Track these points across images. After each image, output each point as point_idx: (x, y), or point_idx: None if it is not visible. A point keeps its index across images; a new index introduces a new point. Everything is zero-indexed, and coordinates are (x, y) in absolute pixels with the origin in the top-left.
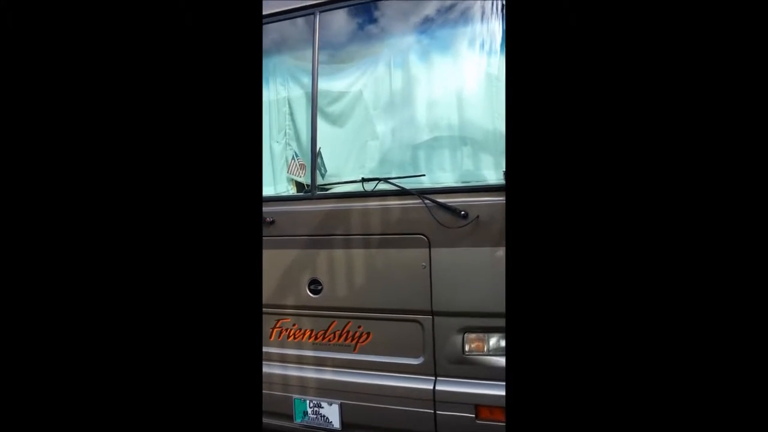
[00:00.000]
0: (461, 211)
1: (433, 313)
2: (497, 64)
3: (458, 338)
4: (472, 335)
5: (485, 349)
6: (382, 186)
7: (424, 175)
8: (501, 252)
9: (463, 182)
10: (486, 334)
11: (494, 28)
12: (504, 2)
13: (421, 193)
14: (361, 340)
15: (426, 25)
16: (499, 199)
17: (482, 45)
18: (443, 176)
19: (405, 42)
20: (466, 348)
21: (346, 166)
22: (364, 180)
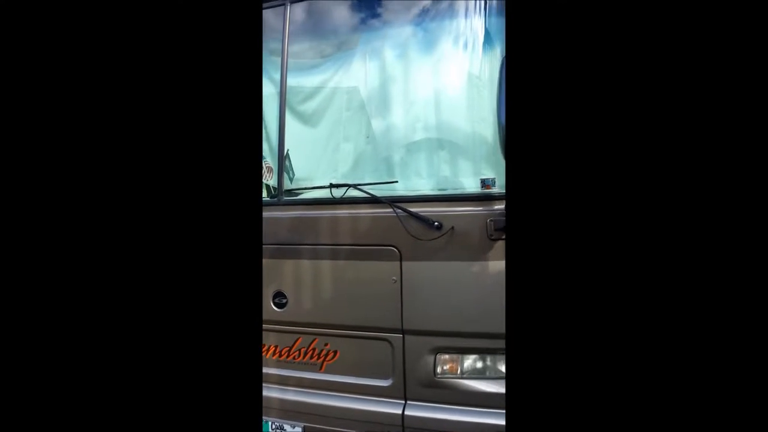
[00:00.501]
0: (434, 222)
1: (403, 332)
2: (478, 65)
3: (430, 359)
4: (445, 356)
5: (459, 371)
6: (352, 193)
7: (396, 181)
8: (477, 267)
9: (439, 190)
10: (460, 356)
11: (476, 27)
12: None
13: (393, 201)
14: (327, 359)
15: (405, 22)
16: (476, 209)
17: (464, 44)
18: (419, 183)
19: (382, 38)
20: (438, 370)
21: (317, 169)
22: (332, 186)
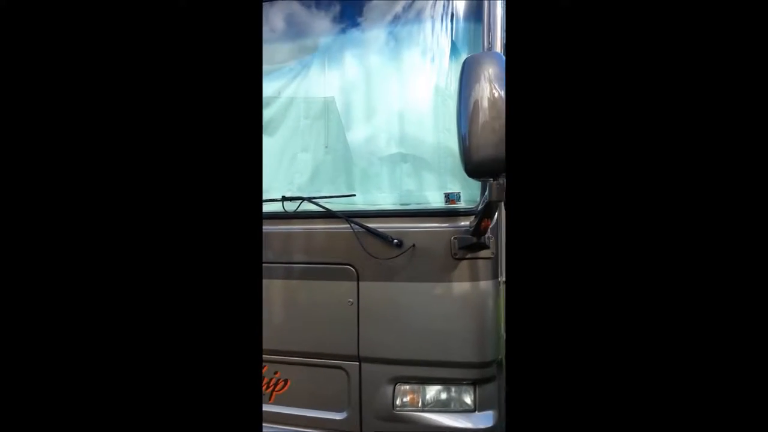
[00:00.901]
0: (394, 239)
1: (359, 359)
2: (445, 73)
3: (388, 390)
4: (405, 387)
5: (420, 403)
6: (307, 206)
7: (354, 195)
8: (440, 289)
9: (401, 205)
10: (421, 386)
11: (442, 36)
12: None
13: (349, 216)
14: (277, 389)
15: (367, 27)
16: (440, 225)
17: (429, 52)
18: (379, 197)
19: (343, 45)
20: (398, 402)
21: (272, 181)
22: (284, 199)
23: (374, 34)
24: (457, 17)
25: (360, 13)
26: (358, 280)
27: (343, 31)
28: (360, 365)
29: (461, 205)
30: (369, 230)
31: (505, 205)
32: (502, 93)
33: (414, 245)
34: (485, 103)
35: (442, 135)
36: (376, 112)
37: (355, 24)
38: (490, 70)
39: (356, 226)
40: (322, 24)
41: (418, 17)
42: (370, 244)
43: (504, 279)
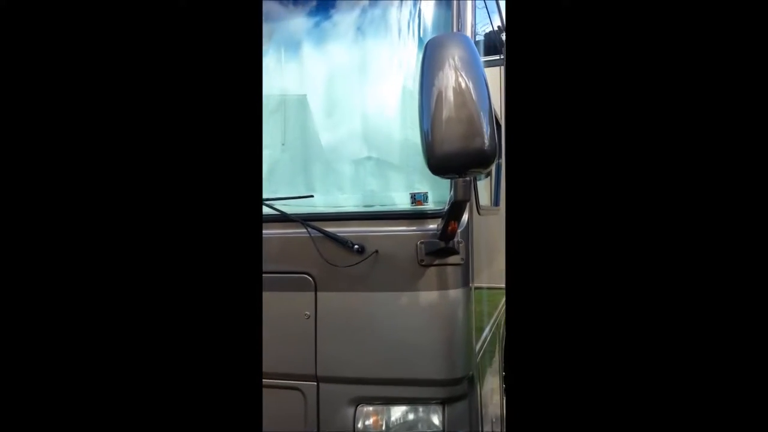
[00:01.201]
0: (354, 245)
1: (317, 379)
2: (412, 64)
3: (349, 412)
4: (368, 408)
5: (384, 426)
6: None
7: (311, 196)
8: (405, 299)
9: (364, 206)
10: (386, 407)
11: (407, 20)
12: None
13: (306, 219)
14: None
15: (327, 14)
16: (405, 229)
17: (394, 40)
18: (341, 199)
19: (300, 34)
20: (360, 425)
21: None
22: None
23: (334, 22)
24: (422, 15)
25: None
26: (315, 291)
27: (301, 18)
28: (318, 385)
29: (429, 206)
30: (327, 235)
31: (472, 205)
32: (469, 79)
33: (377, 251)
34: (450, 91)
35: (409, 131)
36: (338, 107)
37: (313, 11)
38: (455, 54)
39: (313, 231)
40: (277, 10)
41: (383, 3)
42: (328, 251)
43: (475, 285)
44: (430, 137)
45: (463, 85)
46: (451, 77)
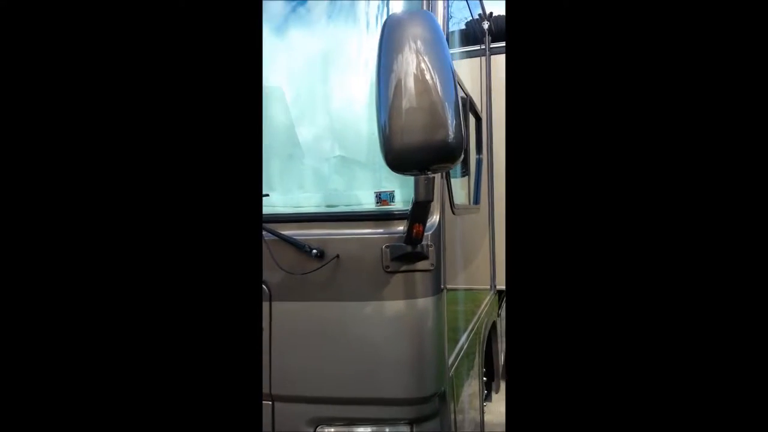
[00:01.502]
0: (312, 249)
1: (272, 398)
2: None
3: None
4: (329, 430)
5: None
6: None
7: (267, 195)
8: (370, 309)
9: (327, 207)
10: (349, 428)
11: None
12: None
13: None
14: None
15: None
16: (370, 232)
17: (358, 25)
18: (302, 198)
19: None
20: None
21: None
22: None
23: (299, 12)
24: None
25: None
26: (270, 301)
27: (264, 5)
28: (273, 405)
29: (396, 206)
30: (282, 238)
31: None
32: (432, 63)
33: (338, 256)
34: (410, 77)
35: (376, 125)
36: (300, 100)
37: None
38: (417, 34)
39: (267, 234)
40: None
41: None
42: (284, 256)
43: (450, 288)
44: (387, 129)
45: (425, 70)
46: (412, 61)
